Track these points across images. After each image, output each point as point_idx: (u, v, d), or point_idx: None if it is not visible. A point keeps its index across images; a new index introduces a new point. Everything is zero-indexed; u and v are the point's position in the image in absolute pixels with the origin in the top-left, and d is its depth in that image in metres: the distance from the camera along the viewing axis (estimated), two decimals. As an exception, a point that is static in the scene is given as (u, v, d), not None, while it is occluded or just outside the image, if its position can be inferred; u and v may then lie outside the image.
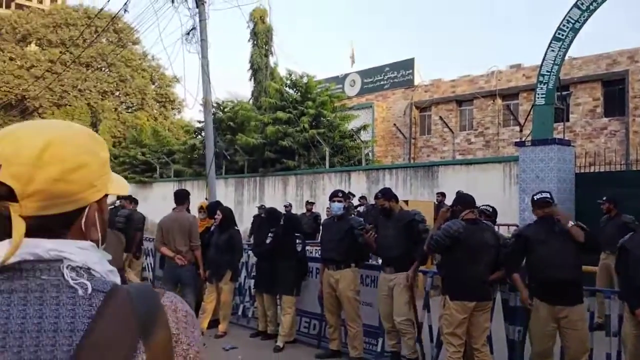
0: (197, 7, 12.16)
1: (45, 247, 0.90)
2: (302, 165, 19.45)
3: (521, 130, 14.70)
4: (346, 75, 27.70)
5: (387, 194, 5.93)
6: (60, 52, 39.88)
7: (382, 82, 26.71)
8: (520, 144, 11.26)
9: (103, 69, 41.93)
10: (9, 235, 0.89)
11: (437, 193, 12.50)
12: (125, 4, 13.28)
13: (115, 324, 0.88)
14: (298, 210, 15.05)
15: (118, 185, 1.03)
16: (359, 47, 58.64)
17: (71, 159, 0.91)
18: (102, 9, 19.67)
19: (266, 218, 7.61)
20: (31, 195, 0.87)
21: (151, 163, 26.38)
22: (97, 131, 36.67)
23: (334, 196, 6.49)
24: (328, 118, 19.76)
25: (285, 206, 13.26)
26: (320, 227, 13.08)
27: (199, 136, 24.39)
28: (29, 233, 0.89)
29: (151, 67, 44.06)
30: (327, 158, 18.13)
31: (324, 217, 13.35)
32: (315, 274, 7.07)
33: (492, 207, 6.02)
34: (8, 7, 75.72)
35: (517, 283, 4.96)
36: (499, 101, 22.56)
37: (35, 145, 0.88)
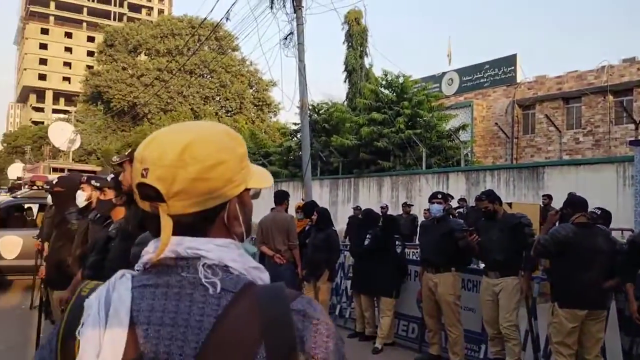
0: (295, 12, 12.34)
1: (185, 245, 0.94)
2: (397, 167, 19.20)
3: (636, 129, 13.63)
4: (443, 74, 27.07)
5: (491, 196, 5.71)
6: (167, 61, 42.25)
7: (481, 80, 25.84)
8: (635, 143, 10.47)
9: (205, 75, 43.93)
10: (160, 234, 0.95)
11: (543, 195, 11.83)
12: (227, 12, 13.75)
13: (239, 326, 0.89)
14: (393, 211, 14.85)
15: (259, 179, 1.05)
16: (455, 45, 57.21)
17: (209, 157, 0.94)
18: (205, 19, 20.52)
19: (363, 219, 7.59)
20: (176, 194, 0.92)
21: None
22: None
23: (433, 198, 6.35)
24: (425, 118, 19.37)
25: (382, 207, 13.12)
26: (418, 229, 12.93)
27: (295, 138, 24.82)
28: (178, 230, 0.94)
29: (249, 72, 45.59)
30: (424, 159, 17.78)
31: (421, 219, 13.10)
32: (413, 277, 6.96)
33: (603, 210, 5.62)
34: (120, 20, 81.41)
35: (629, 294, 4.58)
36: (610, 97, 21.08)
37: (175, 148, 0.93)
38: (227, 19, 13.49)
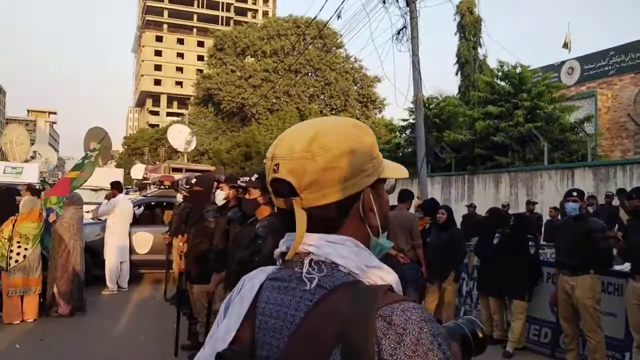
0: (408, 5, 12.06)
1: (299, 240, 0.95)
2: (516, 162, 18.24)
3: None
4: (562, 63, 25.42)
5: (644, 194, 5.17)
6: (274, 62, 43.37)
7: (606, 68, 23.99)
8: None
9: (310, 74, 44.60)
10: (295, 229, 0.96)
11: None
12: (338, 9, 13.72)
13: (318, 325, 0.86)
14: (513, 210, 14.13)
15: (393, 170, 1.05)
16: (574, 32, 53.77)
17: (336, 146, 0.94)
18: (315, 17, 20.68)
19: (490, 218, 7.32)
20: (307, 186, 0.93)
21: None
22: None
23: (568, 195, 5.94)
24: (545, 110, 18.23)
25: (503, 205, 12.55)
26: (542, 229, 12.24)
27: (403, 134, 24.42)
28: (312, 224, 0.94)
29: (354, 69, 45.66)
30: (546, 154, 16.73)
31: (546, 217, 12.37)
32: (546, 279, 6.60)
33: None
34: (227, 24, 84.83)
35: None
36: None
37: (303, 140, 0.95)
38: (339, 16, 13.46)
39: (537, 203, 13.13)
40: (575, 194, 5.91)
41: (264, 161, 1.03)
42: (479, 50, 22.49)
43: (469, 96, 21.26)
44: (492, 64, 21.11)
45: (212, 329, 1.03)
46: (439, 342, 0.83)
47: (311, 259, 0.94)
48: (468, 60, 21.70)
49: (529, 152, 17.93)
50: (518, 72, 19.30)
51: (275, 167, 0.96)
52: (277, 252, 1.02)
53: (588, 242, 5.49)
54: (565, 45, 26.01)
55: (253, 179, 3.46)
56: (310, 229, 0.94)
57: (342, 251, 0.93)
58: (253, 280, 1.01)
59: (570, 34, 24.81)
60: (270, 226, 3.17)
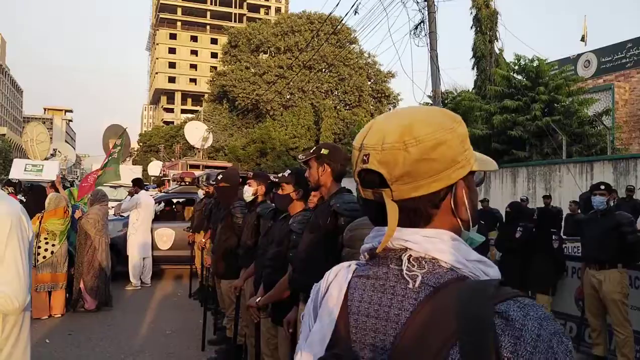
0: (426, 0, 12.05)
1: (392, 236, 0.92)
2: (534, 156, 18.10)
3: None
4: (579, 56, 25.19)
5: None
6: (288, 58, 43.37)
7: (623, 61, 23.72)
8: None
9: (324, 70, 44.52)
10: (384, 222, 0.93)
11: None
12: (355, 4, 13.73)
13: (431, 323, 0.83)
14: (532, 204, 14.05)
15: (484, 162, 1.01)
16: (591, 25, 53.17)
17: (429, 137, 0.91)
18: (330, 13, 20.66)
19: (512, 212, 7.35)
20: (399, 178, 0.90)
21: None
22: (319, 129, 39.42)
23: (595, 189, 5.95)
24: (563, 104, 18.08)
25: (522, 199, 12.49)
26: (562, 223, 12.15)
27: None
28: (402, 217, 0.91)
29: (367, 64, 45.52)
30: (564, 147, 16.61)
31: (565, 212, 12.30)
32: (570, 273, 6.58)
33: None
34: (240, 21, 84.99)
35: None
36: None
37: (395, 131, 0.92)
38: (356, 12, 13.47)
39: (550, 196, 13.03)
40: (602, 187, 5.89)
41: (351, 150, 1.00)
42: (495, 43, 22.37)
43: (486, 90, 21.13)
44: (509, 57, 20.96)
45: (302, 332, 1.01)
46: (560, 339, 0.79)
47: (410, 255, 0.91)
48: (484, 54, 21.53)
49: (547, 146, 17.81)
50: (535, 65, 19.15)
51: (365, 158, 0.93)
52: (364, 247, 0.99)
53: (616, 236, 5.48)
54: (582, 39, 25.75)
55: (286, 174, 3.50)
56: (401, 222, 0.91)
57: (441, 246, 0.90)
58: (338, 279, 0.99)
59: (587, 26, 24.56)
60: (304, 221, 3.22)
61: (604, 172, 14.43)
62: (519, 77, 19.87)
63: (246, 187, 4.75)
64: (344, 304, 0.95)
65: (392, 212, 0.90)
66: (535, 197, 15.18)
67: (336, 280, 0.99)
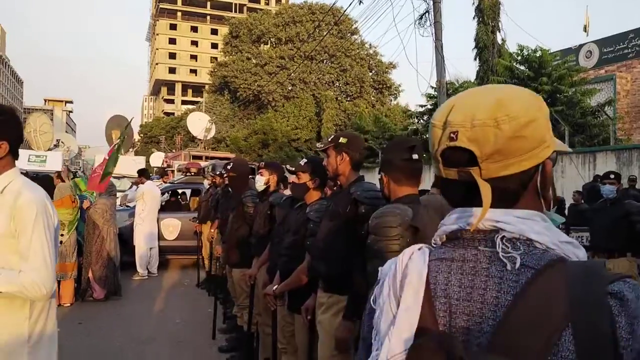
0: (431, -11, 12.03)
1: (479, 216, 0.89)
2: (536, 147, 18.12)
3: None
4: (581, 46, 25.12)
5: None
6: (289, 49, 43.27)
7: (625, 51, 23.66)
8: None
9: (325, 61, 44.44)
10: (466, 203, 0.93)
11: None
12: (360, -6, 13.69)
13: (541, 305, 0.80)
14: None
15: (560, 143, 0.99)
16: (593, 15, 53.05)
17: (522, 114, 0.88)
18: (334, 4, 20.56)
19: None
20: (490, 156, 0.88)
21: (374, 149, 27.18)
22: (320, 120, 39.35)
23: (605, 178, 6.01)
24: (566, 94, 18.07)
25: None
26: (566, 212, 12.19)
27: (421, 120, 24.33)
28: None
29: (369, 55, 45.40)
30: (567, 138, 16.62)
31: (569, 202, 12.33)
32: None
33: None
34: (241, 11, 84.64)
35: None
36: None
37: (486, 107, 0.89)
38: (361, 2, 13.43)
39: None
40: (612, 176, 5.95)
41: (430, 127, 0.96)
42: (498, 34, 22.32)
43: (488, 81, 21.07)
44: (511, 48, 20.92)
45: (383, 319, 0.93)
46: None
47: (503, 236, 0.88)
48: (487, 44, 21.40)
49: (550, 136, 17.80)
50: (538, 55, 19.10)
51: (452, 135, 0.90)
52: (444, 229, 0.96)
53: (625, 225, 5.52)
54: (585, 28, 25.68)
55: (302, 163, 3.53)
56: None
57: (535, 227, 0.88)
58: (415, 262, 0.94)
59: (589, 16, 24.47)
60: (322, 210, 3.25)
61: (606, 162, 14.48)
62: (522, 67, 19.84)
63: (258, 176, 4.78)
64: (427, 288, 0.92)
65: (486, 190, 0.87)
66: (538, 188, 15.20)
67: (413, 263, 0.94)
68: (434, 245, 0.99)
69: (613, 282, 0.81)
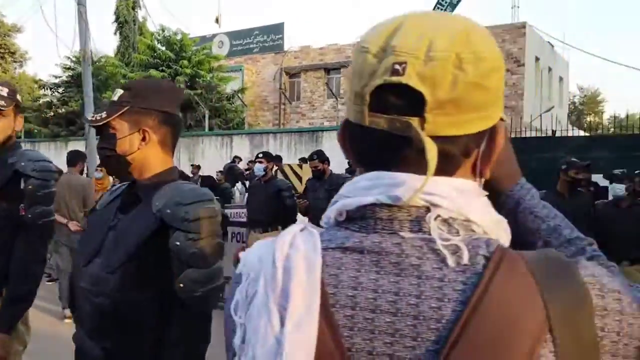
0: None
1: (411, 185, 0.61)
2: (178, 128, 18.77)
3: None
4: (214, 36, 26.93)
5: (322, 156, 6.10)
6: None
7: (251, 46, 26.41)
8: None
9: None
10: (381, 166, 0.65)
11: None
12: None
13: (505, 314, 0.57)
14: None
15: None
16: (225, 8, 57.28)
17: (491, 57, 0.63)
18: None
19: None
20: (442, 105, 0.60)
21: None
22: None
23: (257, 158, 6.54)
24: (205, 79, 19.19)
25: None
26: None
27: (56, 92, 22.25)
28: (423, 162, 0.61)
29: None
30: (206, 121, 17.71)
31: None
32: (230, 238, 7.14)
33: None
34: None
35: None
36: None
37: (452, 35, 0.62)
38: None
39: (200, 166, 13.82)
40: (261, 155, 6.46)
41: (358, 52, 0.66)
42: (139, 11, 22.07)
43: (130, 57, 20.72)
44: (155, 27, 20.98)
45: (259, 344, 0.59)
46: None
47: (437, 215, 0.62)
48: (127, 20, 21.01)
49: (190, 118, 18.67)
50: (179, 38, 19.74)
51: (397, 67, 0.60)
52: (348, 203, 0.65)
53: (278, 201, 6.21)
54: (217, 20, 27.61)
55: None
56: (420, 169, 0.61)
57: (474, 203, 0.64)
58: (301, 252, 0.62)
59: (221, 8, 26.38)
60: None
61: (242, 144, 16.05)
62: (164, 48, 20.19)
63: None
64: (323, 291, 0.61)
65: (432, 149, 0.59)
66: (181, 167, 15.80)
67: (298, 254, 0.62)
68: (325, 226, 0.69)
69: (583, 270, 0.61)
